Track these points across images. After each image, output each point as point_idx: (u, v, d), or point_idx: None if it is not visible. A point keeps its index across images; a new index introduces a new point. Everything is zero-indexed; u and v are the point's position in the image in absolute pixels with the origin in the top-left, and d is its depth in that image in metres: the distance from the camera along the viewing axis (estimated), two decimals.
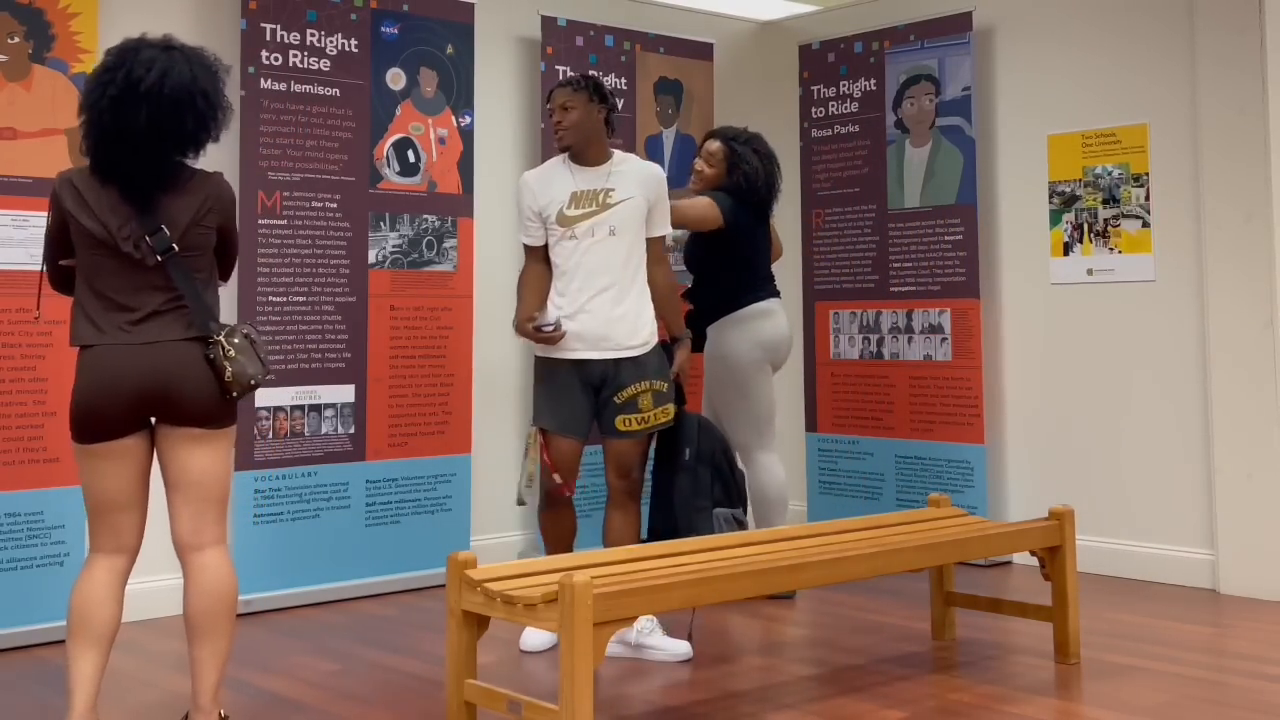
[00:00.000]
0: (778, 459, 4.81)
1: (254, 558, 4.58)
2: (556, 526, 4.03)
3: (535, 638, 3.98)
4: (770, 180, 4.82)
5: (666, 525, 4.06)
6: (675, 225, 4.35)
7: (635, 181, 3.97)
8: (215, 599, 2.94)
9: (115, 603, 2.93)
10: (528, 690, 3.45)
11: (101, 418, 2.86)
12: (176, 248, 2.90)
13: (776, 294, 4.85)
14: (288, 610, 4.61)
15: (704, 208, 4.66)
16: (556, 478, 3.94)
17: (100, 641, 2.88)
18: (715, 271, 4.79)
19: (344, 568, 4.73)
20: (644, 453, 4.05)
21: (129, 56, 2.89)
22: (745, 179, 4.75)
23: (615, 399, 3.92)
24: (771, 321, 4.77)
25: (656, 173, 4.07)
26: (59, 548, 4.20)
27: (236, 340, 2.92)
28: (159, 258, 2.88)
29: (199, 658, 2.93)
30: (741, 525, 4.15)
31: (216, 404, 2.92)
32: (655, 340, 4.01)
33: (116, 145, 2.88)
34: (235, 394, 2.92)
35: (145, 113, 2.84)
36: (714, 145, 4.83)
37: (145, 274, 2.90)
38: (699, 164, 4.85)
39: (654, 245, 4.04)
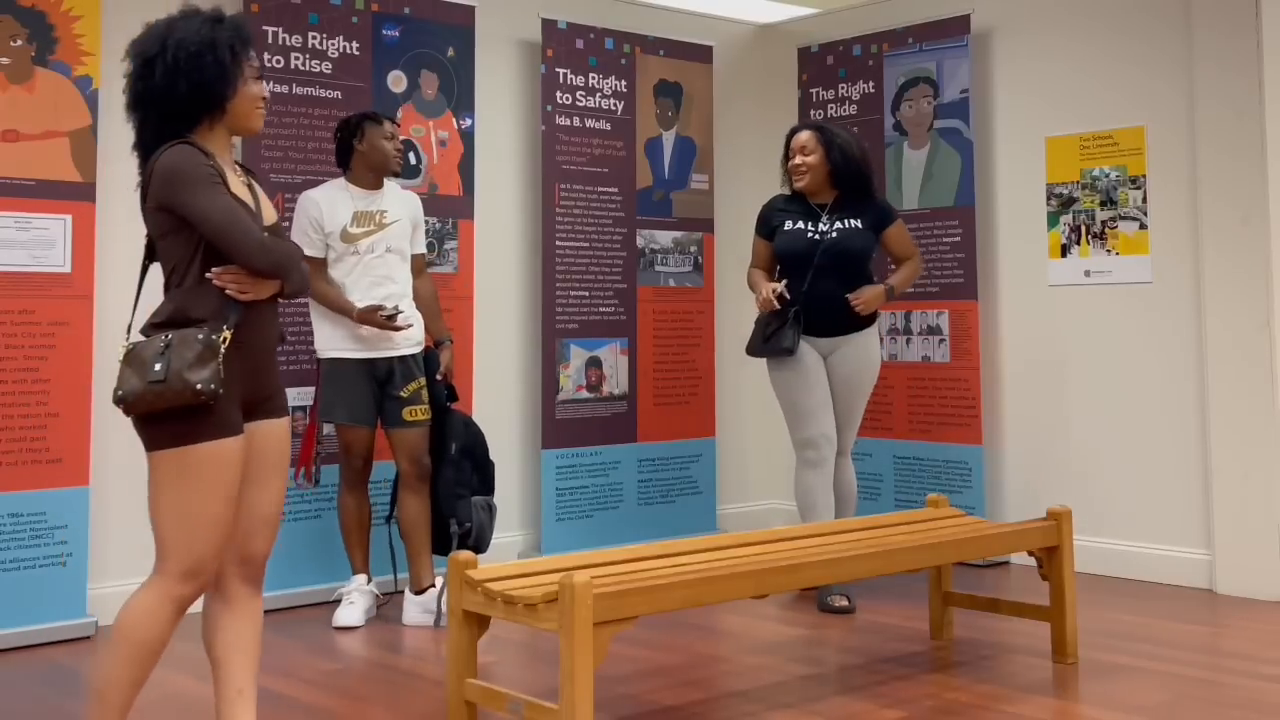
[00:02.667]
0: None
1: None
2: (360, 510, 4.49)
3: (347, 614, 4.38)
4: (864, 151, 4.78)
5: (437, 511, 4.48)
6: (907, 255, 4.82)
7: (402, 205, 4.49)
8: (116, 624, 2.59)
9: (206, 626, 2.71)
10: (528, 690, 3.47)
11: None
12: (146, 239, 2.66)
13: None
14: (288, 610, 4.62)
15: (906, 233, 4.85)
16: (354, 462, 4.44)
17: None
18: (871, 274, 4.79)
19: (344, 568, 4.73)
20: (427, 439, 4.45)
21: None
22: (842, 151, 4.66)
23: (400, 394, 4.36)
24: None
25: (416, 199, 4.61)
26: (61, 548, 4.22)
27: (132, 345, 2.55)
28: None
29: None
30: (492, 511, 4.59)
31: (133, 418, 2.56)
32: (423, 343, 4.50)
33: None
34: (120, 407, 2.52)
35: (129, 83, 2.60)
36: (803, 135, 4.71)
37: None
38: (797, 160, 4.69)
39: (416, 261, 4.55)
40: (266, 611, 4.55)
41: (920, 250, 5.04)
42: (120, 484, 4.51)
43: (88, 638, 4.23)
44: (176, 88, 2.54)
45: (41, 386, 4.21)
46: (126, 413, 2.53)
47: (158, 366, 2.46)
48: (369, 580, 4.47)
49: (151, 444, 2.54)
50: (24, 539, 4.17)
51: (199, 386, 2.46)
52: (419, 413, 4.41)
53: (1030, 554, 3.84)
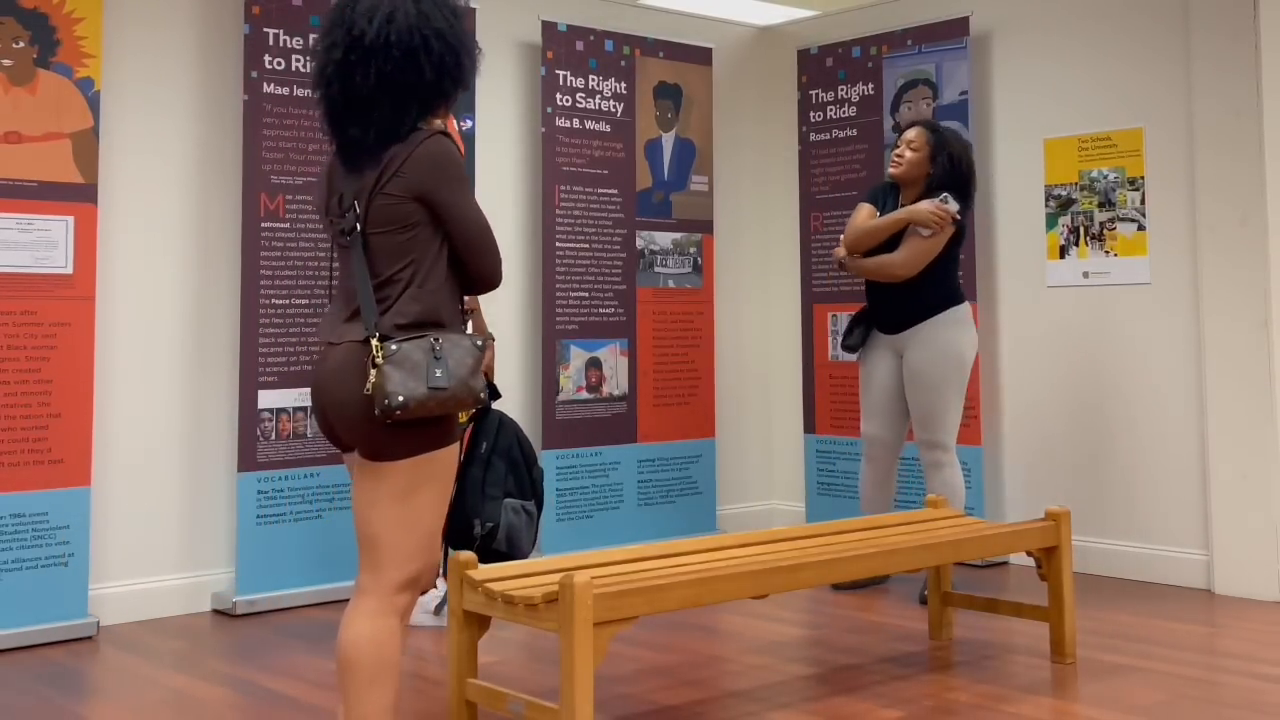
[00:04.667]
0: None
1: (256, 558, 4.61)
2: None
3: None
4: (972, 163, 4.72)
5: (458, 511, 4.27)
6: (916, 263, 4.59)
7: None
8: (342, 656, 2.48)
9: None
10: (529, 690, 3.48)
11: (320, 427, 2.58)
12: (359, 226, 2.46)
13: None
14: (290, 610, 4.63)
15: (927, 245, 4.56)
16: None
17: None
18: (945, 263, 4.63)
19: (346, 568, 4.75)
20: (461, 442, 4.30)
21: (347, 10, 2.48)
22: (952, 160, 4.62)
23: (484, 403, 4.20)
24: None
25: None
26: (64, 548, 4.23)
27: (396, 346, 2.38)
28: (347, 239, 2.48)
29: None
30: (530, 516, 4.31)
31: (366, 424, 2.41)
32: None
33: (349, 114, 2.48)
34: (378, 412, 2.37)
35: (374, 70, 2.43)
36: (912, 131, 4.70)
37: (351, 259, 2.48)
38: (900, 149, 4.67)
39: None
40: (266, 612, 4.60)
41: (911, 259, 4.61)
42: (122, 485, 4.53)
43: (89, 638, 4.24)
44: (443, 83, 2.50)
45: (43, 387, 4.22)
46: (398, 418, 2.37)
47: (439, 372, 2.39)
48: None
49: (403, 451, 2.43)
50: (26, 539, 4.18)
51: (482, 395, 2.46)
52: (463, 416, 4.35)
53: (1029, 554, 3.85)
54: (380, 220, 2.45)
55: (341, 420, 2.47)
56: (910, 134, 4.70)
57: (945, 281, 4.64)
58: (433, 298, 2.47)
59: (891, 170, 4.71)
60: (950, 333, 4.60)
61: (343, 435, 2.50)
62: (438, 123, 2.56)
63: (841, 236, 4.82)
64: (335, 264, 2.65)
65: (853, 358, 5.24)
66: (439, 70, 2.48)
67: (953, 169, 4.62)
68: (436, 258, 2.48)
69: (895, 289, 4.66)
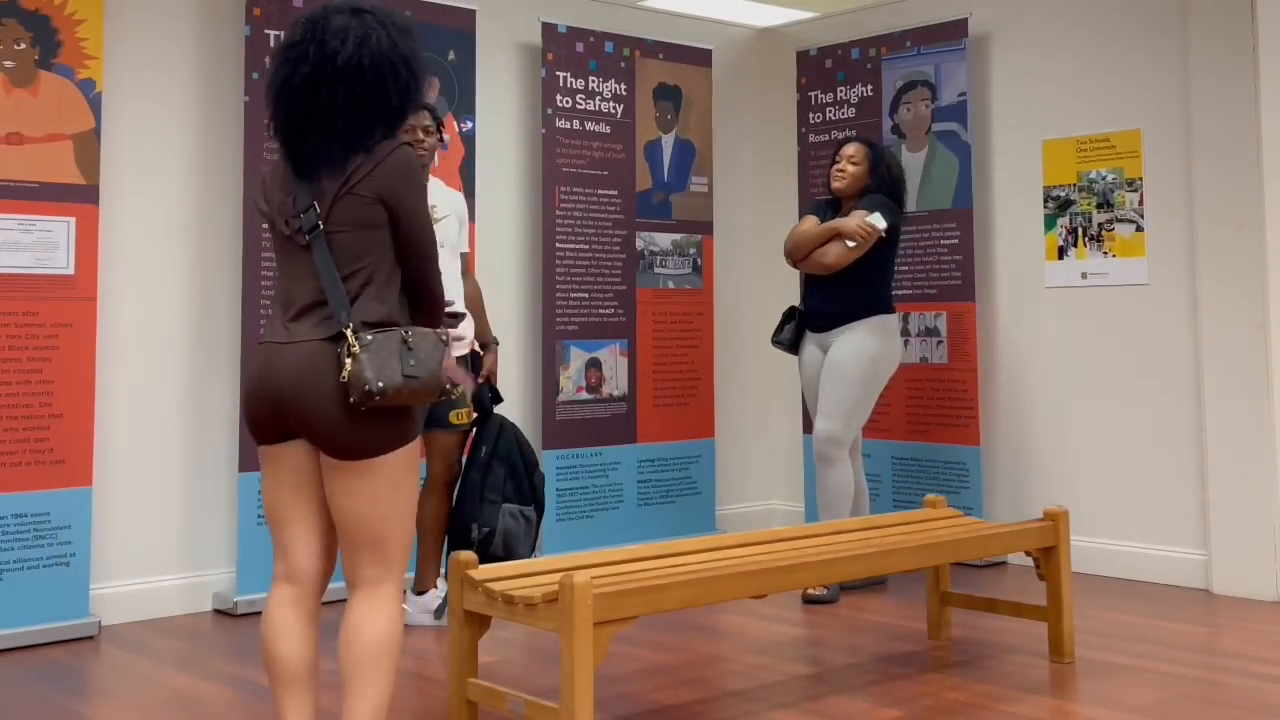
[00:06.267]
0: None
1: (255, 558, 4.62)
2: (443, 508, 4.39)
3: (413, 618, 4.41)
4: (903, 171, 5.06)
5: (459, 514, 4.35)
6: (835, 263, 4.78)
7: (449, 202, 4.39)
8: (349, 647, 2.50)
9: (291, 637, 2.56)
10: (529, 690, 3.49)
11: (250, 420, 2.58)
12: (322, 225, 2.49)
13: None
14: None
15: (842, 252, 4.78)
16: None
17: (286, 680, 2.56)
18: (877, 269, 4.84)
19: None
20: (463, 445, 4.40)
21: (319, 26, 2.51)
22: (890, 171, 4.91)
23: (451, 395, 4.20)
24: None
25: (461, 196, 4.57)
26: (65, 548, 4.24)
27: (372, 337, 2.42)
28: (307, 237, 2.50)
29: (343, 707, 2.52)
30: (529, 522, 4.42)
31: (341, 420, 2.43)
32: (471, 345, 4.43)
33: (312, 126, 2.51)
34: (353, 399, 2.40)
35: (344, 90, 2.48)
36: (852, 147, 4.96)
37: (305, 259, 2.52)
38: (842, 164, 4.90)
39: (462, 260, 4.48)
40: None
41: (828, 261, 4.82)
42: (123, 485, 4.54)
43: (90, 637, 4.25)
44: (405, 108, 2.58)
45: (45, 388, 4.23)
46: (376, 404, 2.42)
47: (412, 362, 2.45)
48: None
49: (388, 444, 2.49)
50: (27, 539, 4.19)
51: (448, 386, 2.54)
52: (464, 415, 4.33)
53: (1027, 554, 3.87)
54: (343, 220, 2.49)
55: (316, 421, 2.46)
56: (850, 149, 4.95)
57: (879, 287, 4.86)
58: (391, 300, 2.52)
59: (835, 184, 4.93)
60: (875, 336, 4.82)
61: (312, 435, 2.49)
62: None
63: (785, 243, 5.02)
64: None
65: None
66: (403, 95, 2.55)
67: (890, 179, 4.90)
68: (393, 265, 2.54)
69: (832, 289, 4.86)
